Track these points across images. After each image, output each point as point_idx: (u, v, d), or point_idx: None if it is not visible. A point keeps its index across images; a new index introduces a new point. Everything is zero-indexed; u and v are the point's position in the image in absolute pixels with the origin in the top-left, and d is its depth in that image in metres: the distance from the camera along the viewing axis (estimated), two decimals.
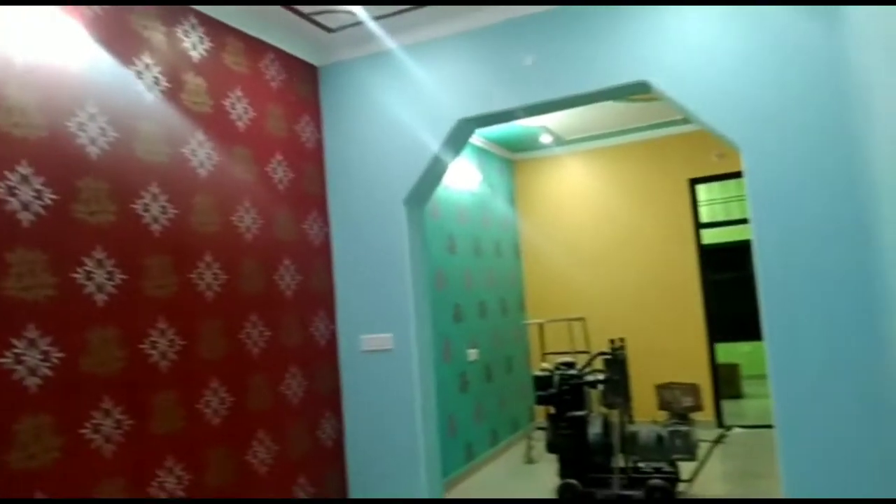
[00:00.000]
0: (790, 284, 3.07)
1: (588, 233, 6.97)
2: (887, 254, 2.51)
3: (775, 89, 3.11)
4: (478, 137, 6.36)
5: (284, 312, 3.57)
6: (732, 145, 3.27)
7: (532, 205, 7.30)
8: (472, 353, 5.78)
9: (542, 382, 4.69)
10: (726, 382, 7.38)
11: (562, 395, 4.62)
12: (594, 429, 4.51)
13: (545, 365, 4.88)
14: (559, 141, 6.81)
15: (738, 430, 6.05)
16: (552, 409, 4.72)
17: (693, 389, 4.40)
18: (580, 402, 4.64)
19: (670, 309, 6.57)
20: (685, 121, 6.37)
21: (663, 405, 4.51)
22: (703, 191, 7.00)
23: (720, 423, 6.35)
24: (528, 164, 7.32)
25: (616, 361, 4.44)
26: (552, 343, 6.34)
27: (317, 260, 3.90)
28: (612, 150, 6.92)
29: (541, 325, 6.35)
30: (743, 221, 7.27)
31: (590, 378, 4.66)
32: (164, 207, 2.88)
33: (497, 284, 6.54)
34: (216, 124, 3.26)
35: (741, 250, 8.67)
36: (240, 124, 3.41)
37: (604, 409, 4.64)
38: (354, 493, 3.89)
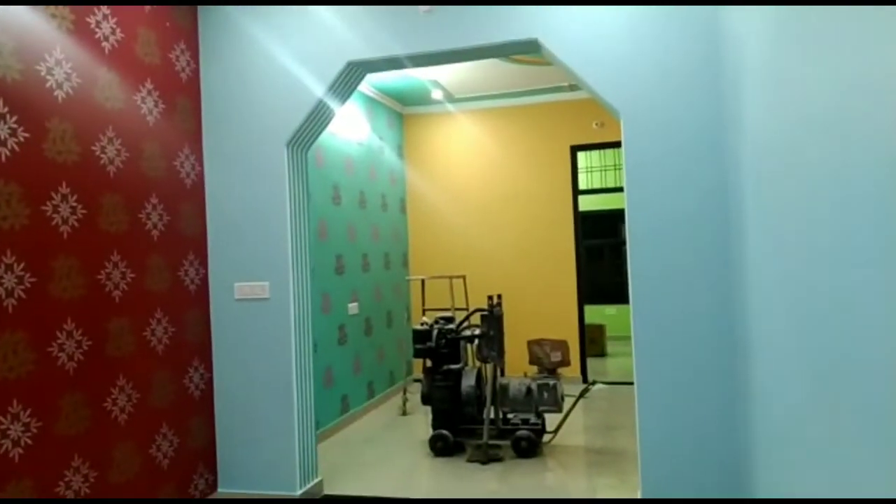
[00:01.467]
0: (656, 250, 3.25)
1: (473, 192, 7.06)
2: (749, 228, 2.71)
3: (659, 60, 3.24)
4: (368, 87, 6.22)
5: (150, 254, 3.35)
6: (613, 112, 3.38)
7: (420, 160, 7.27)
8: (353, 307, 5.74)
9: (420, 336, 4.74)
10: (592, 342, 7.85)
11: (439, 348, 4.70)
12: (468, 381, 4.64)
13: (425, 319, 4.93)
14: (449, 98, 6.80)
15: (600, 385, 6.44)
16: (429, 362, 4.80)
17: (562, 346, 4.61)
18: (456, 356, 4.75)
19: (546, 270, 6.83)
20: (570, 88, 6.56)
21: (534, 360, 4.71)
22: (582, 158, 7.28)
23: (585, 379, 6.73)
24: (418, 119, 7.27)
25: (492, 317, 4.56)
26: (433, 299, 6.42)
27: (188, 200, 3.68)
28: (501, 111, 7.00)
29: (422, 281, 6.39)
30: (618, 190, 7.68)
31: (467, 333, 4.77)
32: (12, 130, 2.58)
33: (381, 239, 6.50)
34: (78, 43, 2.94)
35: (613, 218, 9.22)
36: (105, 45, 3.10)
37: (479, 363, 4.78)
38: (222, 443, 3.78)
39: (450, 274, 6.28)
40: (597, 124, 6.69)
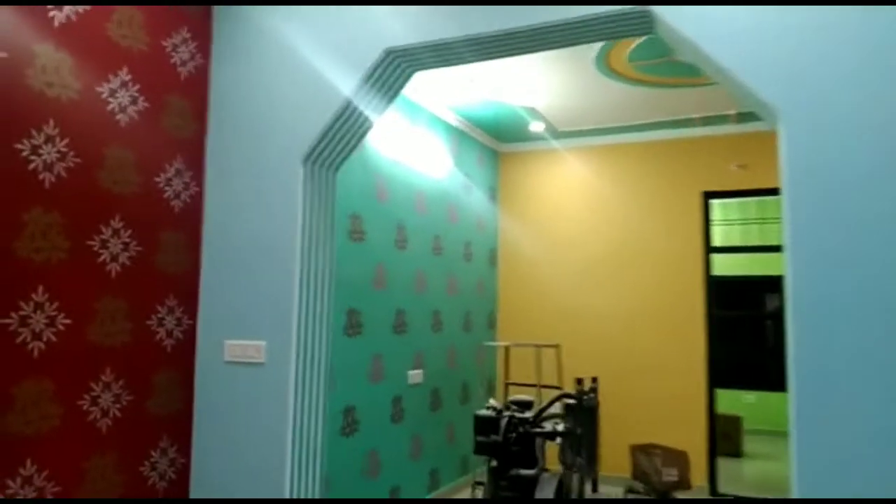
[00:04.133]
0: (834, 320, 1.98)
1: (579, 246, 5.87)
2: None
3: (848, 38, 2.03)
4: (454, 116, 5.30)
5: (103, 295, 2.50)
6: (767, 114, 2.18)
7: (518, 206, 6.20)
8: (415, 375, 4.68)
9: (484, 425, 3.58)
10: (725, 437, 6.25)
11: (507, 444, 3.51)
12: (544, 494, 3.40)
13: (492, 402, 3.78)
14: (553, 132, 5.73)
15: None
16: (495, 462, 3.62)
17: (679, 459, 3.29)
18: (531, 457, 3.53)
19: (664, 344, 5.43)
20: (703, 122, 5.30)
21: (638, 474, 3.40)
22: (717, 208, 5.90)
23: (713, 490, 5.20)
24: (516, 157, 6.24)
25: (581, 409, 3.34)
26: (520, 372, 5.25)
27: (173, 228, 2.83)
28: (615, 148, 5.82)
29: (507, 349, 5.26)
30: (761, 249, 6.19)
31: (547, 426, 3.56)
32: None
33: (461, 293, 5.45)
34: (15, 9, 2.22)
35: (756, 285, 7.58)
36: (56, 15, 2.36)
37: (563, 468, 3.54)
38: None
39: (540, 342, 5.09)
40: (737, 166, 5.33)
